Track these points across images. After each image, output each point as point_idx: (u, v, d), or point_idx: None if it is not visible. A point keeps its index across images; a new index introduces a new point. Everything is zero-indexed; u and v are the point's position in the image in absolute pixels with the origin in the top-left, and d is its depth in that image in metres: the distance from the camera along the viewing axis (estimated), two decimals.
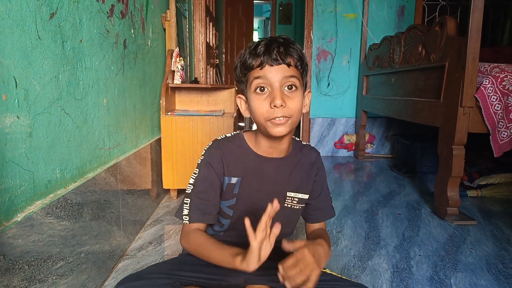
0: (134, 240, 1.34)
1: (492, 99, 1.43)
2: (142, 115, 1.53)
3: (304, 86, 0.82)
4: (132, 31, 1.37)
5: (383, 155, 3.08)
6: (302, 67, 0.80)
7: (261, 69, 0.77)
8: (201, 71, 2.14)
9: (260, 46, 0.77)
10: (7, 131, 0.65)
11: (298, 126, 3.26)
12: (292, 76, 0.78)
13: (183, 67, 1.87)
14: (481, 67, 1.53)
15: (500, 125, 1.45)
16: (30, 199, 0.72)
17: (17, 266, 0.65)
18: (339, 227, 1.52)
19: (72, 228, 0.85)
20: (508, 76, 1.42)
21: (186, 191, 0.89)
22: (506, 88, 1.42)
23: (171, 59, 1.82)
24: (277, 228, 0.70)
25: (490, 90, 1.43)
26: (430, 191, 2.03)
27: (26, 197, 0.71)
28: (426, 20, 3.23)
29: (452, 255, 1.27)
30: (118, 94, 1.23)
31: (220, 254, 0.79)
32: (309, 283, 0.68)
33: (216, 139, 0.91)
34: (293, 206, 0.93)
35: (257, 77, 0.78)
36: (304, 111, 0.83)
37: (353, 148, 3.07)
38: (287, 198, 0.91)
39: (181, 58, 1.86)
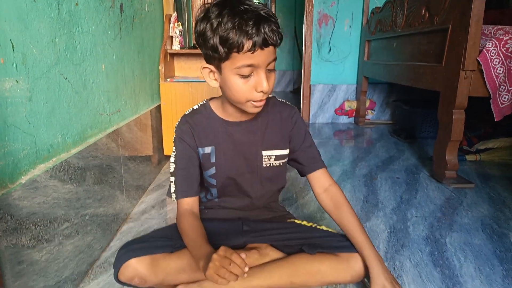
0: (137, 204, 1.37)
1: (494, 62, 1.41)
2: (141, 82, 1.52)
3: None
4: None
5: (383, 121, 3.07)
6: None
7: (252, 53, 0.72)
8: None
9: (249, 25, 0.70)
10: (7, 95, 0.66)
11: (298, 93, 3.23)
12: (274, 59, 0.78)
13: (181, 32, 1.83)
14: (485, 30, 1.50)
15: (502, 88, 1.44)
16: (33, 162, 0.74)
17: (24, 226, 0.67)
18: None
19: (76, 192, 0.87)
20: None
21: (170, 170, 0.92)
22: (510, 51, 1.40)
23: (169, 24, 1.79)
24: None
25: (493, 53, 1.41)
26: (429, 156, 2.04)
27: (29, 160, 0.72)
28: None
29: (448, 217, 1.30)
30: (117, 60, 1.22)
31: (192, 250, 0.80)
32: None
33: (184, 114, 0.93)
34: (272, 164, 0.95)
35: (248, 65, 0.74)
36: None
37: (354, 114, 3.07)
38: (263, 157, 0.93)
39: (179, 23, 1.83)
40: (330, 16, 2.96)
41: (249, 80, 0.76)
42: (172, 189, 0.91)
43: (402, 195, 1.50)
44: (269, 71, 0.78)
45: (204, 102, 0.95)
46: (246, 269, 0.66)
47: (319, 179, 0.96)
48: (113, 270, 0.90)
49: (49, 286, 0.75)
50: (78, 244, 0.88)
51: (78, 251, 0.89)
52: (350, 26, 2.97)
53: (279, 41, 0.75)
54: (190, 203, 0.89)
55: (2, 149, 0.64)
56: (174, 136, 0.92)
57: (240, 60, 0.73)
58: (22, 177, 0.69)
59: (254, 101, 0.79)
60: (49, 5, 0.80)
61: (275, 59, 0.78)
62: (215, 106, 0.92)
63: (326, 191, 0.95)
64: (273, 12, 0.78)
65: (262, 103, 0.81)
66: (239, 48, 0.72)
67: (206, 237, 0.81)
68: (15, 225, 0.65)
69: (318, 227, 0.96)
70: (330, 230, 0.95)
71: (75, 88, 0.93)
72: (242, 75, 0.75)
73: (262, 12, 0.73)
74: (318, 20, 2.96)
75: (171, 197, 0.92)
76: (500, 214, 1.31)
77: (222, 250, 0.68)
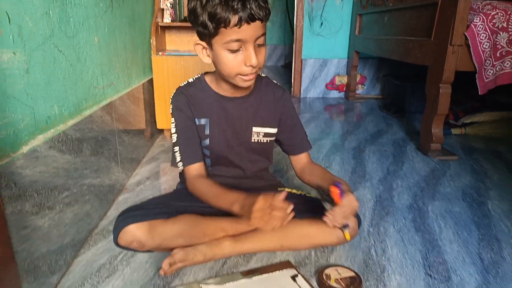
0: (132, 176, 1.41)
1: (481, 37, 1.44)
2: (133, 55, 1.52)
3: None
4: None
5: (373, 96, 3.11)
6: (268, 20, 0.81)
7: (239, 27, 0.75)
8: None
9: (235, 2, 0.73)
10: (5, 67, 0.67)
11: (289, 68, 3.24)
12: (263, 34, 0.80)
13: (172, 4, 1.82)
14: (473, 5, 1.52)
15: (487, 63, 1.48)
16: (33, 133, 0.76)
17: (27, 194, 0.70)
18: (328, 163, 1.60)
19: (74, 162, 0.90)
20: (499, 13, 1.43)
21: (172, 141, 0.96)
22: (496, 25, 1.43)
23: None
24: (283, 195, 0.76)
25: (480, 28, 1.43)
26: (416, 130, 2.10)
27: (29, 131, 0.75)
28: None
29: (431, 187, 1.36)
30: (109, 33, 1.22)
31: (220, 202, 0.85)
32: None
33: (179, 86, 0.96)
34: (260, 140, 1.00)
35: (234, 39, 0.76)
36: None
37: (344, 89, 3.09)
38: (253, 133, 0.98)
39: None
40: None
41: (238, 54, 0.80)
42: (178, 159, 0.94)
43: (389, 167, 1.56)
44: (258, 46, 0.81)
45: (199, 76, 0.98)
46: (289, 209, 0.75)
47: (301, 160, 1.04)
48: (111, 237, 0.95)
49: (52, 250, 0.79)
50: (77, 212, 0.92)
51: (78, 219, 0.92)
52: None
53: (266, 16, 0.78)
54: (197, 168, 0.94)
55: (2, 120, 0.66)
56: (171, 107, 0.95)
57: (228, 35, 0.76)
58: (23, 147, 0.72)
59: (244, 75, 0.82)
60: None
61: (263, 34, 0.80)
62: (209, 80, 0.96)
63: (306, 170, 1.02)
64: None
65: (252, 77, 0.84)
66: (226, 23, 0.75)
67: (226, 188, 0.87)
68: (19, 192, 0.68)
69: (307, 195, 1.01)
70: (319, 197, 1.00)
71: (70, 61, 0.94)
72: (231, 50, 0.79)
73: None
74: None
75: (177, 167, 0.95)
76: (481, 184, 1.38)
77: (261, 199, 0.74)
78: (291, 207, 0.74)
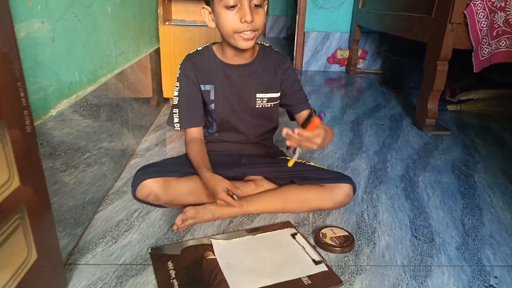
0: (141, 142, 1.48)
1: (480, 16, 1.49)
2: (141, 25, 1.56)
3: None
4: None
5: (373, 71, 3.15)
6: None
7: None
8: None
9: None
10: (36, 35, 0.73)
11: (293, 41, 3.25)
12: None
13: None
14: None
15: (483, 42, 1.53)
16: (59, 98, 0.83)
17: (57, 153, 0.78)
18: None
19: (93, 126, 0.97)
20: None
21: (173, 103, 1.04)
22: (495, 5, 1.47)
23: None
24: None
25: (479, 7, 1.48)
26: (413, 106, 2.16)
27: (55, 96, 0.81)
28: None
29: (423, 159, 1.45)
30: (120, 3, 1.26)
31: (198, 172, 0.96)
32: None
33: (188, 54, 1.05)
34: (264, 106, 1.07)
35: None
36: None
37: (345, 63, 3.13)
38: (257, 99, 1.05)
39: None
40: None
41: (235, 12, 0.88)
42: (176, 120, 1.03)
43: (384, 140, 1.64)
44: (255, 7, 0.88)
45: (207, 45, 1.05)
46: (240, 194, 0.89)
47: (304, 117, 1.09)
48: (126, 196, 1.04)
49: (76, 205, 0.88)
50: (96, 173, 1.00)
51: (97, 179, 1.01)
52: None
53: None
54: (195, 132, 1.03)
55: (35, 85, 0.72)
56: (178, 72, 1.03)
57: None
58: (51, 110, 0.78)
59: (241, 33, 0.90)
60: None
61: None
62: (216, 49, 1.03)
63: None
64: None
65: (250, 36, 0.91)
66: None
67: (208, 163, 0.97)
68: (51, 151, 0.75)
69: (307, 163, 1.10)
70: (317, 165, 1.08)
71: (87, 30, 0.99)
72: (227, 6, 0.87)
73: None
74: None
75: (172, 126, 1.05)
76: (470, 158, 1.47)
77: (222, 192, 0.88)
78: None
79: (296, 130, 0.78)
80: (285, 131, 0.78)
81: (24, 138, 0.59)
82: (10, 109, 0.55)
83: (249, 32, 0.90)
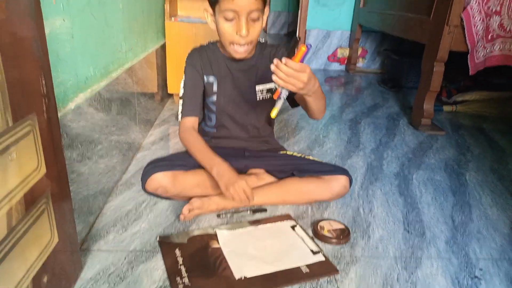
0: (147, 136, 1.53)
1: (476, 19, 1.54)
2: (148, 20, 1.60)
3: (263, 7, 0.94)
4: None
5: (373, 70, 3.20)
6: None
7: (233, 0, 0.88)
8: None
9: None
10: (58, 32, 0.78)
11: (292, 36, 3.29)
12: (256, 10, 0.91)
13: None
14: None
15: (479, 45, 1.58)
16: (76, 91, 0.88)
17: (74, 144, 0.83)
18: (325, 133, 1.73)
19: (105, 119, 1.02)
20: None
21: (180, 95, 1.10)
22: (491, 9, 1.52)
23: None
24: None
25: (475, 10, 1.53)
26: (410, 105, 2.22)
27: (73, 89, 0.86)
28: None
29: (418, 157, 1.51)
30: None
31: (203, 159, 1.00)
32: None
33: (194, 47, 1.11)
34: (264, 98, 1.12)
35: (228, 8, 0.90)
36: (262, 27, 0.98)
37: (345, 62, 3.17)
38: (257, 91, 1.11)
39: None
40: None
41: (233, 24, 0.93)
42: (180, 109, 1.09)
43: (381, 138, 1.69)
44: (252, 20, 0.93)
45: (212, 41, 1.11)
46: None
47: None
48: (134, 187, 1.10)
49: (89, 195, 0.93)
50: (107, 164, 1.05)
51: (107, 170, 1.06)
52: None
53: None
54: (192, 121, 1.08)
55: (57, 79, 0.77)
56: (185, 65, 1.09)
57: (224, 4, 0.90)
58: (70, 103, 0.83)
59: (236, 44, 0.95)
60: None
61: (258, 10, 0.92)
62: (219, 45, 1.09)
63: None
64: None
65: (243, 48, 0.97)
66: None
67: (211, 148, 1.02)
68: (69, 142, 0.80)
69: (306, 157, 1.15)
70: (316, 159, 1.14)
71: (101, 26, 1.03)
72: (226, 18, 0.92)
73: None
74: None
75: (178, 117, 1.10)
76: (462, 157, 1.53)
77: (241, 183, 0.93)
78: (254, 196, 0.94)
79: (284, 59, 0.77)
80: (275, 61, 0.77)
81: (50, 128, 0.64)
82: (39, 101, 0.60)
83: (243, 46, 0.96)
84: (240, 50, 0.97)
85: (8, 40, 0.51)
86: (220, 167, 0.95)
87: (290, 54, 0.82)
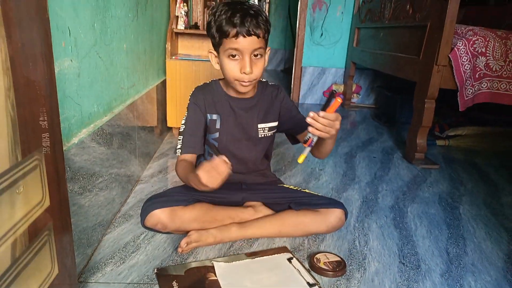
0: (146, 169, 1.56)
1: (463, 59, 1.62)
2: (151, 59, 1.67)
3: (266, 46, 1.00)
4: None
5: (367, 105, 3.29)
6: (267, 37, 0.99)
7: (236, 39, 0.94)
8: (198, 15, 2.23)
9: (236, 17, 0.92)
10: (65, 72, 0.82)
11: (290, 74, 3.40)
12: (260, 48, 0.97)
13: (186, 12, 1.97)
14: (458, 29, 1.69)
15: (467, 83, 1.65)
16: (80, 127, 0.91)
17: (76, 177, 0.85)
18: (322, 166, 1.76)
19: (106, 153, 1.05)
20: (479, 39, 1.60)
21: (180, 130, 1.13)
22: (476, 50, 1.60)
23: (176, 4, 1.92)
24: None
25: (462, 51, 1.61)
26: (404, 140, 2.27)
27: (77, 125, 0.90)
28: None
29: (412, 191, 1.53)
30: (134, 39, 1.37)
31: (188, 177, 1.01)
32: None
33: (198, 86, 1.15)
34: (265, 135, 1.16)
35: (232, 48, 0.95)
36: (265, 65, 1.03)
37: None
38: (259, 129, 1.15)
39: (184, 3, 1.96)
40: (324, 2, 3.10)
41: (237, 62, 0.97)
42: (178, 146, 1.11)
43: (376, 172, 1.73)
44: (255, 57, 0.98)
45: (214, 80, 1.15)
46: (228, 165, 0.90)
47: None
48: (133, 220, 1.11)
49: (88, 227, 0.94)
50: (106, 197, 1.07)
51: (106, 203, 1.08)
52: (342, 12, 3.12)
53: (262, 33, 0.96)
54: (190, 157, 1.10)
55: (62, 115, 0.81)
56: (188, 102, 1.13)
57: (228, 44, 0.95)
58: (74, 138, 0.87)
59: (241, 81, 1.00)
60: None
61: (261, 48, 0.97)
62: (222, 84, 1.14)
63: None
64: (266, 12, 0.99)
65: (248, 83, 1.01)
66: (226, 35, 0.94)
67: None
68: (72, 175, 0.83)
69: (302, 190, 1.18)
70: (312, 192, 1.17)
71: (106, 65, 1.09)
72: (230, 56, 0.97)
73: (251, 10, 0.94)
74: (313, 5, 3.10)
75: (176, 153, 1.12)
76: (456, 191, 1.55)
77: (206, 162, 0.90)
78: (229, 164, 0.91)
79: (321, 113, 0.85)
80: (311, 114, 0.85)
81: (55, 163, 0.67)
82: (46, 137, 0.64)
83: (247, 82, 1.00)
84: (245, 85, 1.01)
85: (22, 81, 0.55)
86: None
87: (325, 105, 0.88)
